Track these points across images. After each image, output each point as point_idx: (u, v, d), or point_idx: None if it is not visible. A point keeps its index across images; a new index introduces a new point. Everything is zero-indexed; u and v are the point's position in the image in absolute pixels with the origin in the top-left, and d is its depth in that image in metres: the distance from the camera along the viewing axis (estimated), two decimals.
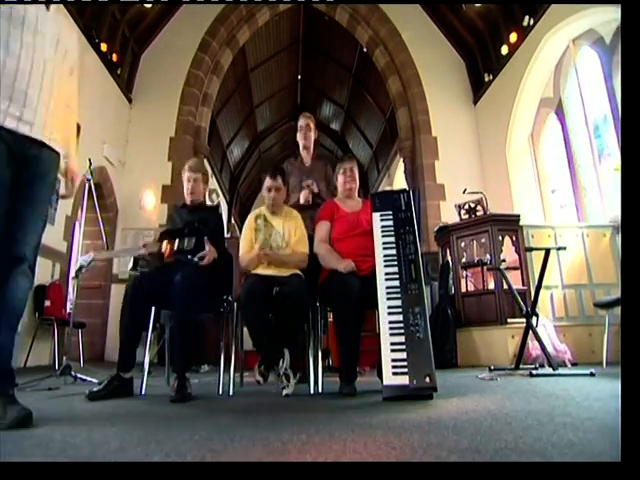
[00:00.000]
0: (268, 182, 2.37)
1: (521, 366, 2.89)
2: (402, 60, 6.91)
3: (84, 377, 2.57)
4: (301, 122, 2.96)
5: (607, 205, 4.55)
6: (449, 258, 4.25)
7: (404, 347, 1.77)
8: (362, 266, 2.11)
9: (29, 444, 1.03)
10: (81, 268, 2.40)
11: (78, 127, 5.27)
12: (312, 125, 2.95)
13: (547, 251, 2.88)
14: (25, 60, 1.37)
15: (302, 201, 2.73)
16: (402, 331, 1.81)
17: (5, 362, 1.34)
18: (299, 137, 2.94)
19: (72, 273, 4.19)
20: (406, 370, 1.72)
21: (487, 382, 2.34)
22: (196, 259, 2.10)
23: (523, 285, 3.75)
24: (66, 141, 1.58)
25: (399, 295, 1.89)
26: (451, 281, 4.22)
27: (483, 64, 6.61)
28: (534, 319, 2.80)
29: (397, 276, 1.93)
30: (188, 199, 2.42)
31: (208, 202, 2.58)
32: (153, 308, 2.14)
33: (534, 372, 2.54)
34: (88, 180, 2.95)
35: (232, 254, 2.61)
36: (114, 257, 2.50)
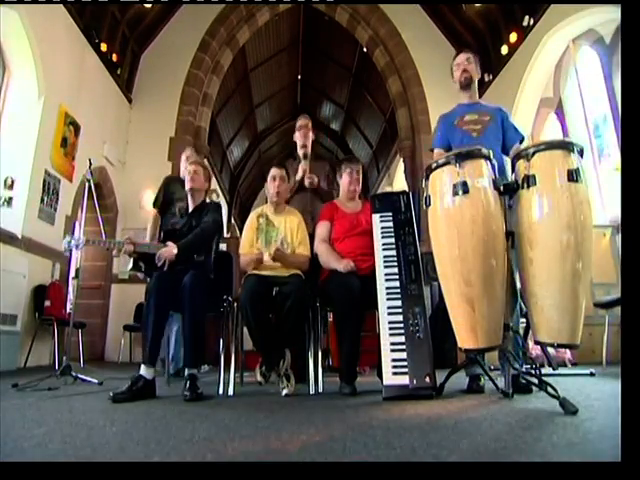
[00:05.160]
0: (273, 171, 2.42)
1: None
2: (402, 60, 6.90)
3: (84, 377, 2.57)
4: (300, 122, 2.99)
5: (607, 205, 4.54)
6: None
7: (404, 347, 1.78)
8: (362, 265, 2.11)
9: (29, 444, 1.03)
10: (74, 247, 2.35)
11: (78, 127, 5.29)
12: (310, 126, 2.97)
13: None
14: None
15: (306, 183, 2.75)
16: (402, 331, 1.81)
17: None
18: (298, 137, 2.97)
19: (72, 273, 4.19)
20: (406, 370, 1.73)
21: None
22: (156, 259, 2.14)
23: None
24: None
25: (399, 295, 1.89)
26: None
27: (483, 64, 6.58)
28: None
29: (397, 277, 1.94)
30: (189, 185, 2.40)
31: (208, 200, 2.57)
32: None
33: (534, 372, 2.54)
34: (88, 180, 2.94)
35: (232, 254, 2.61)
36: (102, 245, 2.44)
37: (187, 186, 2.39)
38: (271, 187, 2.41)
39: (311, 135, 2.97)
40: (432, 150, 2.30)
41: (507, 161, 2.13)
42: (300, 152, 2.95)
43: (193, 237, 2.22)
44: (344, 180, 2.44)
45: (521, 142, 2.16)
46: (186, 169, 2.49)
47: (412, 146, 6.87)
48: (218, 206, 2.56)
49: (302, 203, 2.74)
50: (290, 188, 2.72)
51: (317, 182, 2.78)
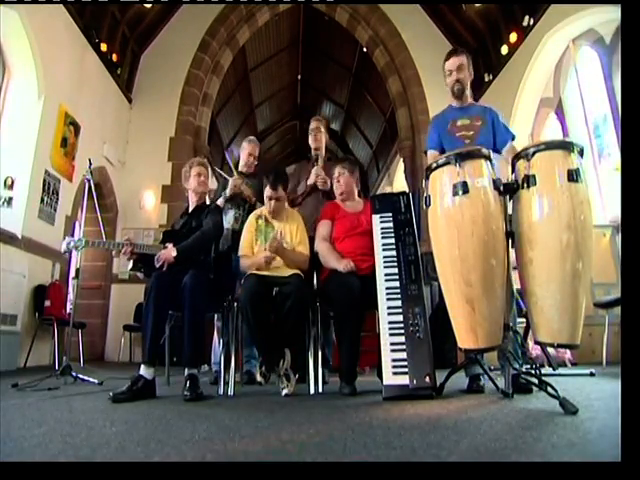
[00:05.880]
0: (268, 192, 2.35)
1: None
2: (402, 60, 6.90)
3: (84, 377, 2.57)
4: (312, 125, 2.98)
5: (607, 205, 4.54)
6: None
7: (404, 347, 1.77)
8: (362, 265, 2.11)
9: (29, 444, 1.03)
10: (72, 249, 2.35)
11: (78, 127, 5.29)
12: (322, 128, 2.96)
13: None
14: None
15: (312, 180, 2.74)
16: (402, 331, 1.81)
17: None
18: (310, 140, 2.95)
19: (72, 273, 4.19)
20: (406, 370, 1.73)
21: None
22: (155, 261, 2.13)
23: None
24: None
25: (399, 296, 1.89)
26: None
27: (483, 64, 6.60)
28: None
29: (397, 277, 1.94)
30: (199, 189, 2.44)
31: (208, 202, 2.57)
32: None
33: (534, 372, 2.54)
34: (88, 180, 2.94)
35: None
36: (101, 246, 2.42)
37: (198, 189, 2.45)
38: (266, 205, 2.39)
39: (324, 138, 2.95)
40: (425, 153, 2.29)
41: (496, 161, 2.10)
42: (313, 155, 2.93)
43: (193, 241, 2.21)
44: (334, 184, 2.48)
45: (512, 140, 2.15)
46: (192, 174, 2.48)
47: (412, 146, 6.87)
48: (218, 208, 2.56)
49: (314, 205, 2.70)
50: (301, 193, 2.78)
51: (330, 185, 2.76)
